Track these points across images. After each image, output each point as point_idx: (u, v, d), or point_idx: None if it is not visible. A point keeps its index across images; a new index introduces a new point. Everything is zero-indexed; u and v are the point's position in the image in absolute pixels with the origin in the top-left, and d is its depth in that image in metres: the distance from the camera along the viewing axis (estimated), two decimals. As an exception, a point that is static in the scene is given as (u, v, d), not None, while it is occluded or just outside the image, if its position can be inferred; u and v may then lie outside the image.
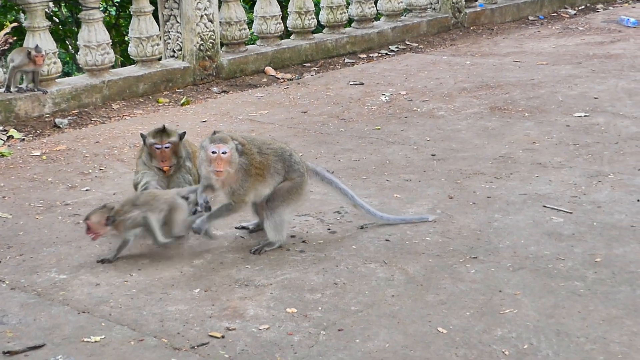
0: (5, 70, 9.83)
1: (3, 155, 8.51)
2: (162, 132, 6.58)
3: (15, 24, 17.44)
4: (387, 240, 6.09)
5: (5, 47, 21.92)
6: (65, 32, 19.24)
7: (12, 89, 9.65)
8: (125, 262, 5.88)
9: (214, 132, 5.90)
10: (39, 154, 8.54)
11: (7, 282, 5.64)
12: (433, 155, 8.01)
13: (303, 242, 6.11)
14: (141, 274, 5.69)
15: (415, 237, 6.13)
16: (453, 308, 5.07)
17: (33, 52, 9.49)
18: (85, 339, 4.83)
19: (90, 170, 7.96)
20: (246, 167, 5.81)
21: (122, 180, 7.60)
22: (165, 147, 6.53)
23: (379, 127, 9.02)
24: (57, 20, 20.00)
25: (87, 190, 7.43)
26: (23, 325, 5.03)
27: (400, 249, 5.95)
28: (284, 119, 9.55)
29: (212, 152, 5.69)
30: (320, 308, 5.12)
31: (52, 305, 5.27)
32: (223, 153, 5.68)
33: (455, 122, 9.16)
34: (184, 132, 6.69)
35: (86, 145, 8.76)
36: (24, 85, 9.78)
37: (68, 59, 20.22)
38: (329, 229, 6.32)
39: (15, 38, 16.64)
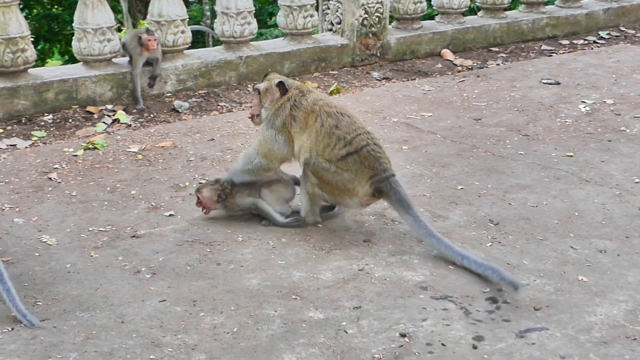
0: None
1: (95, 148, 6.91)
2: None
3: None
4: (559, 366, 4.02)
5: None
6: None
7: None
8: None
9: None
10: (136, 150, 6.89)
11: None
12: (643, 210, 5.79)
13: (430, 353, 4.11)
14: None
15: (603, 365, 4.03)
16: None
17: (144, 36, 7.84)
18: None
19: (187, 182, 6.24)
20: None
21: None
22: None
23: (572, 154, 6.82)
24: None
25: (170, 215, 5.70)
26: None
27: (577, 388, 3.87)
28: (449, 128, 7.48)
29: None
30: None
31: None
32: None
33: (678, 156, 6.83)
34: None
35: (197, 143, 7.05)
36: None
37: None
38: (475, 334, 4.29)
39: None
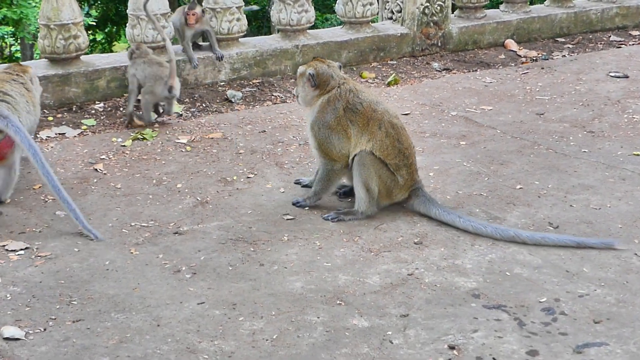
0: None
1: (144, 139, 6.77)
2: None
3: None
4: (618, 389, 3.74)
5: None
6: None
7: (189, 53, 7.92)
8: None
9: None
10: (185, 141, 6.73)
11: (29, 377, 3.82)
12: None
13: (480, 368, 3.87)
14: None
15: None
16: None
17: (185, 10, 7.70)
18: None
19: (235, 177, 6.05)
20: None
21: (264, 200, 5.63)
22: None
23: (639, 153, 6.48)
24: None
25: (215, 211, 5.51)
26: None
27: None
28: (510, 123, 7.18)
29: None
30: None
31: None
32: None
33: None
34: None
35: (247, 135, 6.86)
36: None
37: None
38: (529, 349, 4.02)
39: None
